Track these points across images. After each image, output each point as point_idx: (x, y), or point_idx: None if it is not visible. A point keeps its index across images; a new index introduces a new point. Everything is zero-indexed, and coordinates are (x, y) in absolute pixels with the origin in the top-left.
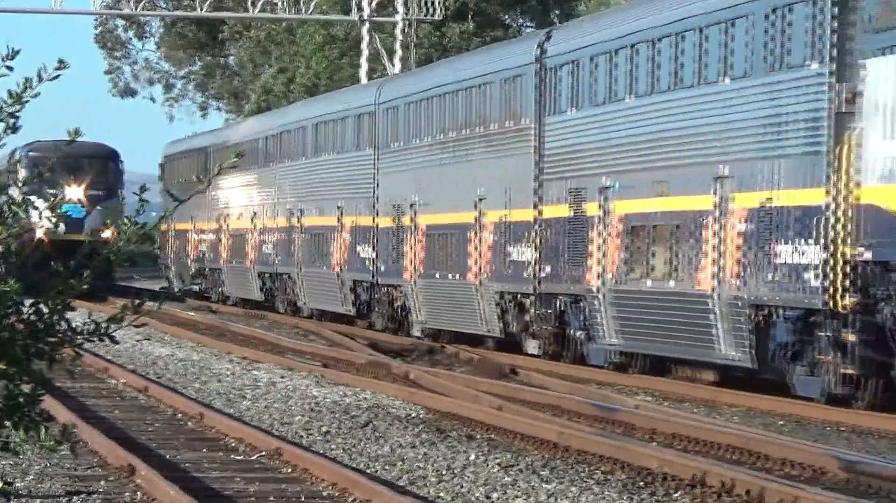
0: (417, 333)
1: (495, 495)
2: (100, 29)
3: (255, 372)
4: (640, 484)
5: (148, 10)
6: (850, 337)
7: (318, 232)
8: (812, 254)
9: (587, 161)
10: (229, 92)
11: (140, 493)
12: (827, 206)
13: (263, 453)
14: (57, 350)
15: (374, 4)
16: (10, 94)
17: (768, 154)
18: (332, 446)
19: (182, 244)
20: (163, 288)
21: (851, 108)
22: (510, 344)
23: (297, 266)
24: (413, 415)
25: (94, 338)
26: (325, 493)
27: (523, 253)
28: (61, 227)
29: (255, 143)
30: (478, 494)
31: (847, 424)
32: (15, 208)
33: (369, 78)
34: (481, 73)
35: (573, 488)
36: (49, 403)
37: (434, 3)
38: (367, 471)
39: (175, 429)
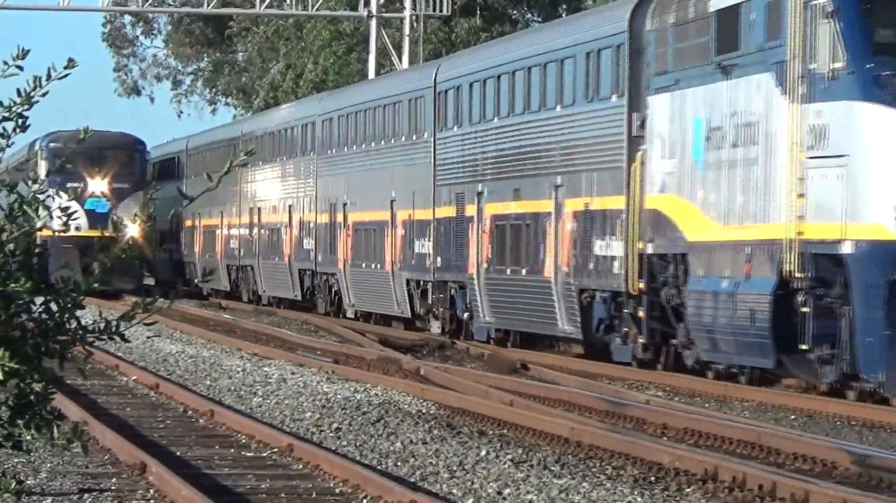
0: (350, 315)
1: (507, 491)
2: (108, 27)
3: (265, 368)
4: (652, 479)
5: (155, 6)
6: (641, 313)
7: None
8: (616, 248)
9: (466, 170)
10: (238, 88)
11: (152, 491)
12: (624, 210)
13: (275, 450)
14: (68, 349)
15: (382, 0)
16: (19, 92)
17: (588, 167)
18: (344, 442)
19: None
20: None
21: (640, 133)
22: (415, 321)
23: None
24: (424, 410)
25: (105, 337)
26: (337, 490)
27: (424, 246)
28: (82, 222)
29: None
30: (489, 490)
31: (858, 418)
32: (25, 207)
33: (377, 74)
34: (395, 93)
35: (585, 483)
36: (60, 401)
37: None
38: (378, 467)
39: (186, 426)
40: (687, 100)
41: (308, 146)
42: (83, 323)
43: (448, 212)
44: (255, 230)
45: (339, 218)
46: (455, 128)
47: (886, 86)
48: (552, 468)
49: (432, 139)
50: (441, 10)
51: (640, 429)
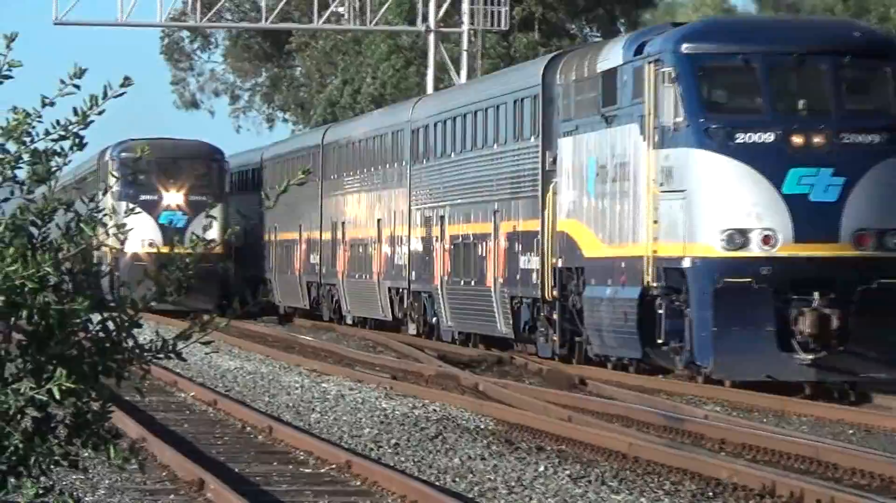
0: (349, 321)
1: None
2: (166, 41)
3: (323, 384)
4: (710, 494)
5: (213, 22)
6: (555, 316)
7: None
8: (535, 262)
9: (432, 197)
10: (295, 103)
11: None
12: (540, 232)
13: (333, 466)
14: (125, 367)
15: (441, 14)
16: (75, 111)
17: (516, 196)
18: (402, 458)
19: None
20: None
21: (553, 168)
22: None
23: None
24: (482, 426)
25: (162, 355)
26: None
27: (402, 259)
28: (156, 237)
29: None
30: None
31: None
32: (82, 225)
33: (436, 88)
34: (382, 126)
35: (643, 499)
36: (117, 417)
37: (500, 13)
38: (436, 483)
39: (244, 442)
40: (583, 142)
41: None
42: (140, 341)
43: (420, 232)
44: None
45: (339, 235)
46: (424, 160)
47: (715, 136)
48: (610, 483)
49: (408, 169)
50: (499, 25)
51: (699, 445)
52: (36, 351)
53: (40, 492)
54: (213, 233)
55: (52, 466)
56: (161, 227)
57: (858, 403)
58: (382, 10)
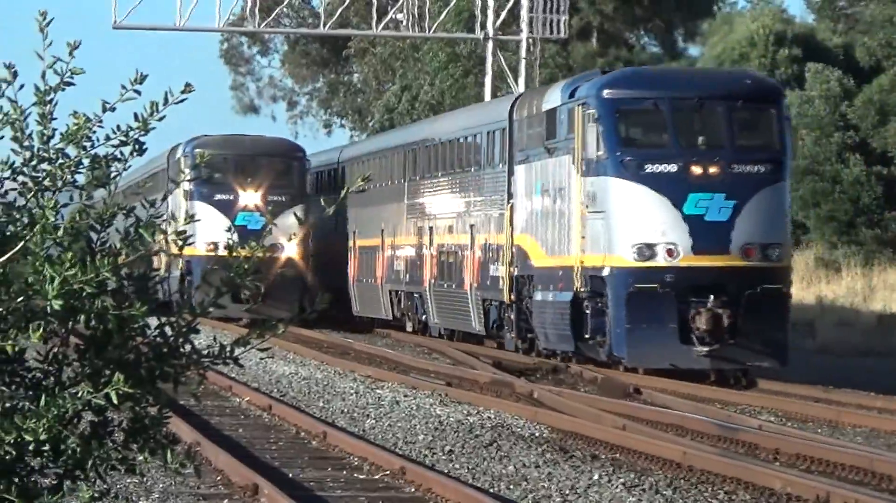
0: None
1: None
2: (225, 45)
3: (378, 390)
4: None
5: (272, 27)
6: (513, 316)
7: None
8: (500, 270)
9: (424, 211)
10: (353, 109)
11: None
12: (504, 245)
13: (387, 472)
14: (182, 373)
15: (499, 23)
16: (136, 117)
17: (488, 213)
18: (456, 465)
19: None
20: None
21: (513, 190)
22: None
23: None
24: (537, 434)
25: (219, 361)
26: None
27: (400, 265)
28: (232, 240)
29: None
30: None
31: None
32: (141, 230)
33: (494, 96)
34: (392, 145)
35: None
36: (173, 422)
37: (559, 22)
38: (490, 490)
39: (299, 447)
40: (532, 170)
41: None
42: (198, 346)
43: (413, 240)
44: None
45: (350, 243)
46: (418, 178)
47: (628, 167)
48: (664, 492)
49: (406, 185)
50: (558, 34)
51: (753, 454)
52: (94, 355)
53: (96, 495)
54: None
55: (108, 470)
56: (238, 228)
57: (748, 387)
58: (441, 18)
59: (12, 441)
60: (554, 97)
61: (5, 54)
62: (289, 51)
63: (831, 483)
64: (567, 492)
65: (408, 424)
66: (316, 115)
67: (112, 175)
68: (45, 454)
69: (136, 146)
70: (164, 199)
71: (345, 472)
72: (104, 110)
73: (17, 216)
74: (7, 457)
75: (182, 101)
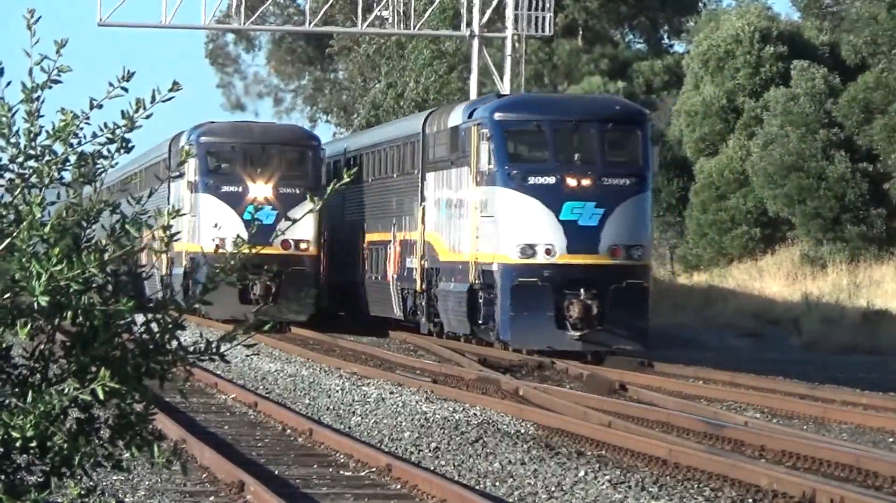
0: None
1: None
2: (210, 45)
3: (364, 387)
4: (750, 501)
5: (257, 24)
6: (424, 303)
7: None
8: (414, 263)
9: (360, 212)
10: (338, 106)
11: None
12: (417, 241)
13: (373, 469)
14: (168, 369)
15: (484, 20)
16: (123, 115)
17: (404, 213)
18: (442, 462)
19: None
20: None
21: (426, 194)
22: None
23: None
24: (523, 431)
25: (205, 357)
26: None
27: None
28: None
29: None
30: None
31: None
32: (127, 226)
33: (479, 93)
34: (339, 151)
35: None
36: (159, 418)
37: (544, 19)
38: (476, 487)
39: (285, 444)
40: (440, 177)
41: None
42: (184, 343)
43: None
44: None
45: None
46: (362, 182)
47: (514, 178)
48: (650, 489)
49: (362, 186)
50: (543, 31)
51: (738, 451)
52: (80, 352)
53: (83, 492)
54: (308, 231)
55: (94, 467)
56: (246, 223)
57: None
58: (426, 15)
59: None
60: (456, 116)
61: None
62: (274, 48)
63: (817, 480)
64: (553, 488)
65: (394, 421)
66: (301, 111)
67: (98, 172)
68: (32, 451)
69: (123, 143)
70: (150, 195)
71: (331, 469)
72: (91, 107)
73: (4, 212)
74: None
75: (169, 98)
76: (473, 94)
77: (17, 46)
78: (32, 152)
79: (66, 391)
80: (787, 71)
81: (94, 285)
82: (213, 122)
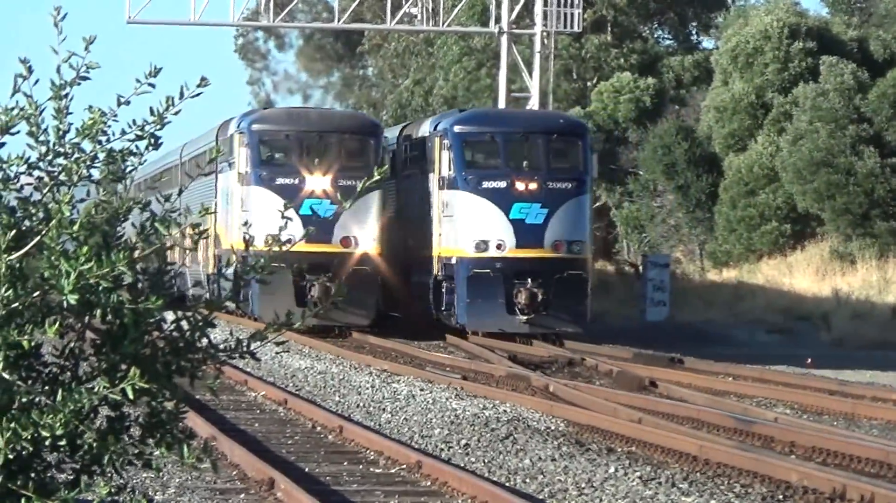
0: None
1: None
2: (240, 40)
3: (394, 384)
4: (780, 497)
5: (286, 21)
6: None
7: None
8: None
9: None
10: (367, 103)
11: None
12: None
13: (403, 466)
14: (198, 367)
15: (513, 16)
16: (152, 111)
17: (389, 213)
18: (472, 459)
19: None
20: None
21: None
22: None
23: None
24: (553, 427)
25: (235, 355)
26: None
27: None
28: (296, 232)
29: None
30: None
31: None
32: (157, 224)
33: (508, 90)
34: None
35: (713, 501)
36: (189, 416)
37: (573, 15)
38: (506, 484)
39: (315, 441)
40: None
41: None
42: (214, 340)
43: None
44: None
45: None
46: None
47: (471, 183)
48: (680, 486)
49: None
50: (572, 27)
51: (768, 447)
52: (110, 350)
53: (112, 490)
54: (371, 229)
55: (124, 465)
56: (303, 218)
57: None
58: (455, 12)
59: (29, 436)
60: (425, 129)
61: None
62: (303, 45)
63: (847, 476)
64: (583, 485)
65: (424, 418)
66: (331, 108)
67: (128, 169)
68: (62, 449)
69: (152, 140)
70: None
71: (361, 466)
72: (119, 104)
73: (33, 211)
74: (24, 453)
75: (198, 95)
76: (502, 91)
77: (45, 44)
78: (61, 150)
79: (96, 390)
80: (816, 66)
81: (123, 283)
82: (266, 108)
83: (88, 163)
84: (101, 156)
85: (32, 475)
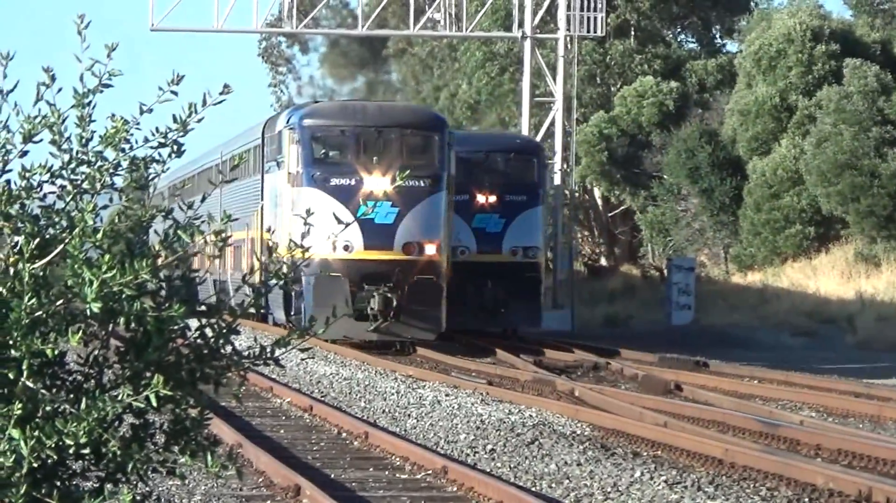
0: None
1: None
2: (263, 44)
3: (419, 390)
4: (806, 500)
5: (310, 27)
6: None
7: None
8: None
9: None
10: None
11: None
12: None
13: (429, 471)
14: (223, 374)
15: (536, 21)
16: (175, 119)
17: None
18: (498, 464)
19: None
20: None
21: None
22: None
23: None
24: (578, 432)
25: (260, 362)
26: None
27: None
28: (355, 239)
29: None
30: None
31: None
32: (180, 232)
33: (531, 95)
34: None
35: None
36: (214, 424)
37: (596, 20)
38: (532, 488)
39: (340, 448)
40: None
41: None
42: (238, 347)
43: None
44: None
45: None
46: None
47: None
48: (706, 489)
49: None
50: (595, 32)
51: (794, 450)
52: (134, 357)
53: (137, 498)
54: (437, 234)
55: (149, 473)
56: (361, 223)
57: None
58: (478, 17)
59: (53, 445)
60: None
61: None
62: (328, 51)
63: (874, 478)
64: (609, 489)
65: (449, 423)
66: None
67: (151, 177)
68: (87, 457)
69: (175, 148)
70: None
71: (387, 472)
72: (141, 112)
73: (56, 219)
74: (48, 461)
75: (220, 102)
76: (525, 96)
77: (68, 52)
78: (84, 158)
79: (120, 397)
80: (840, 69)
81: (146, 291)
82: (318, 102)
83: (111, 171)
84: (124, 164)
85: (57, 483)
